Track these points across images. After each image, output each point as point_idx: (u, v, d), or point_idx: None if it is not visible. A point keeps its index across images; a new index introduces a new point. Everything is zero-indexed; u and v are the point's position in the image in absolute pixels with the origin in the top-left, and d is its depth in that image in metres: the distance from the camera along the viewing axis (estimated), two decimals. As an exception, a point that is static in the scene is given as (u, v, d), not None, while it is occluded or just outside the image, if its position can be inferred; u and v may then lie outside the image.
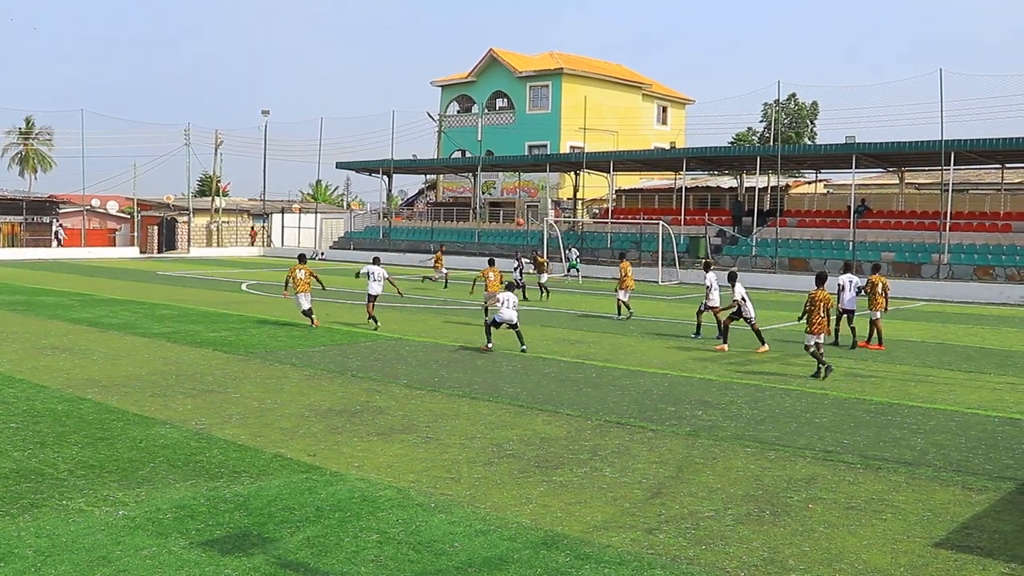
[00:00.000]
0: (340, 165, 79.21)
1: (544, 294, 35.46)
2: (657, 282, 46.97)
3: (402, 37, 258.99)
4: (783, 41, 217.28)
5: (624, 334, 24.17)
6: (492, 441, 12.16)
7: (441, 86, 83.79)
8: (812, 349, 17.88)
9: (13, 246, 71.36)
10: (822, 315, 17.93)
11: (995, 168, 54.79)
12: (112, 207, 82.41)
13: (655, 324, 27.23)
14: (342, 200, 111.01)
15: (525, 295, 33.94)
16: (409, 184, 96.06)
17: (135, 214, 79.03)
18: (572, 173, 67.68)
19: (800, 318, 18.57)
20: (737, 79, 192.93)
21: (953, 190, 47.67)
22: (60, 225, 63.69)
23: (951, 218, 46.38)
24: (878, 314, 22.63)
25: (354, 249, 69.18)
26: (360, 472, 10.51)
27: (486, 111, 78.64)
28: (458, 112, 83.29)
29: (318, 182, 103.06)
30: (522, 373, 17.78)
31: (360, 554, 7.94)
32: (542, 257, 39.31)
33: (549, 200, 67.42)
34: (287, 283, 24.76)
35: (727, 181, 65.10)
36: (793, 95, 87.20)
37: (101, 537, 8.26)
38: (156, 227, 77.20)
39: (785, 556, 8.10)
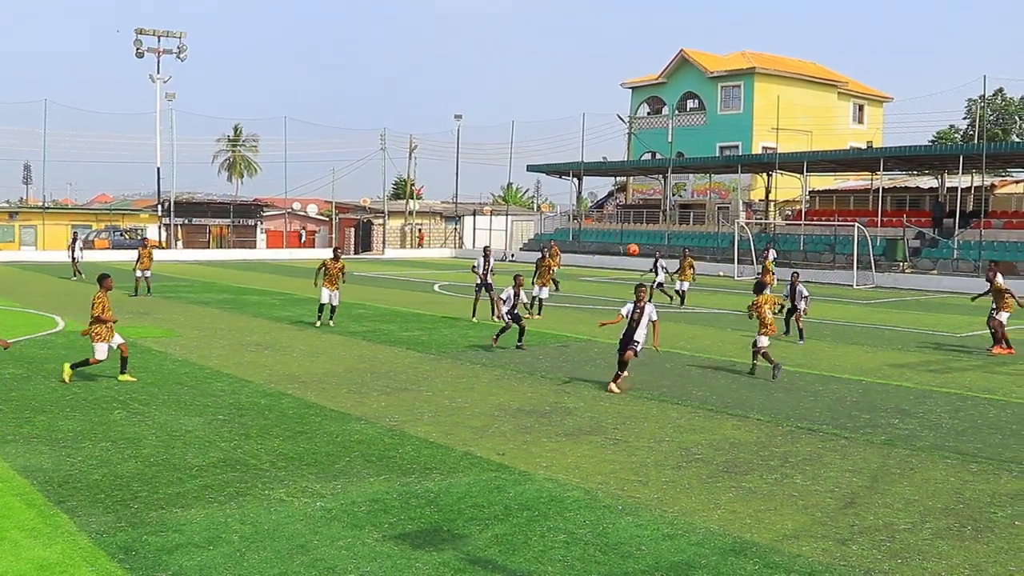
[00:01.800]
0: (531, 168, 79.99)
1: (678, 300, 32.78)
2: (852, 285, 45.37)
3: (593, 39, 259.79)
4: (989, 33, 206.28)
5: (817, 339, 23.45)
6: (680, 445, 12.01)
7: (631, 88, 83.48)
8: (764, 350, 17.71)
9: (221, 247, 75.33)
10: (771, 316, 18.28)
11: None
12: (312, 210, 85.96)
13: (849, 329, 26.30)
14: (532, 202, 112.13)
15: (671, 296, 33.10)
16: (599, 186, 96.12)
17: (333, 216, 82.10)
18: (764, 174, 66.26)
19: (751, 317, 18.30)
20: (939, 75, 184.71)
21: None
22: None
23: None
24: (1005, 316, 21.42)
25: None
26: (548, 472, 10.57)
27: (676, 112, 77.90)
28: (648, 114, 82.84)
29: (509, 185, 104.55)
30: (712, 376, 17.50)
31: (547, 554, 7.98)
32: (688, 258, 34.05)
33: (740, 202, 66.18)
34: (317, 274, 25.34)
35: (927, 181, 62.28)
36: (1000, 90, 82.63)
37: (300, 527, 8.60)
38: (353, 229, 79.97)
39: (989, 575, 7.67)
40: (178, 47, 76.01)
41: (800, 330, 22.67)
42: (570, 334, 23.41)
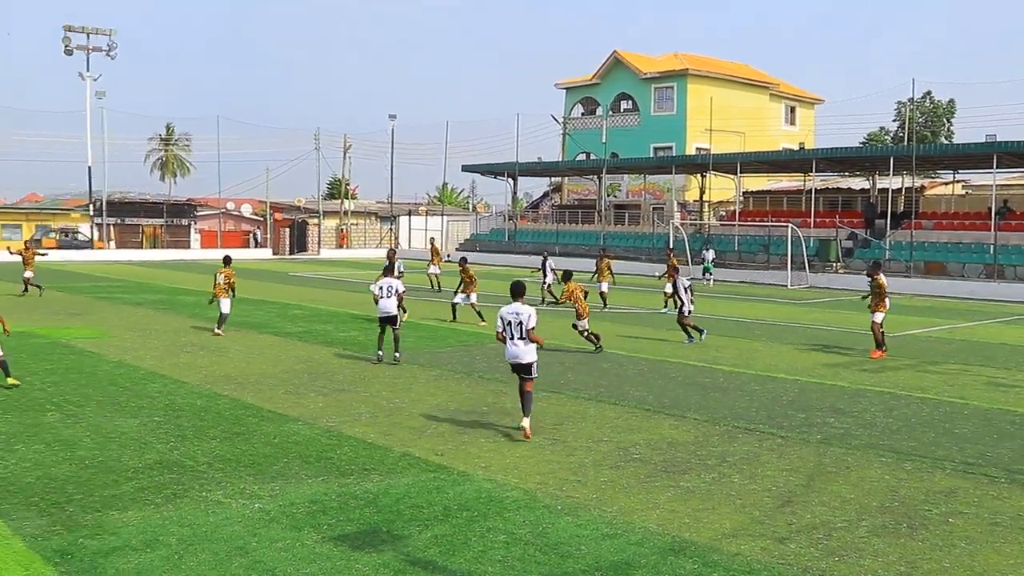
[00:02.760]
0: (466, 168, 79.89)
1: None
2: (786, 286, 46.03)
3: (528, 40, 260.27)
4: (917, 36, 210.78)
5: (752, 339, 23.76)
6: (619, 445, 12.10)
7: (565, 88, 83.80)
8: (585, 331, 20.69)
9: (155, 247, 74.28)
10: (584, 301, 21.01)
11: None
12: (246, 210, 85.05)
13: (784, 329, 26.69)
14: (468, 202, 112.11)
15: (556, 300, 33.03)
16: (534, 187, 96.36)
17: (268, 216, 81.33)
18: (698, 175, 66.88)
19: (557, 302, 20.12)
20: (869, 77, 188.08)
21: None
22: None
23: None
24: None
25: (480, 251, 69.64)
26: (487, 472, 10.58)
27: (611, 113, 78.33)
28: (583, 115, 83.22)
29: (444, 185, 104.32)
30: (648, 376, 17.65)
31: (487, 554, 8.00)
32: (677, 259, 34.00)
33: (675, 202, 66.76)
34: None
35: (859, 182, 63.36)
36: (928, 93, 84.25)
37: (238, 528, 8.53)
38: (288, 229, 79.29)
39: (924, 571, 7.85)
40: (108, 44, 74.69)
41: (687, 329, 22.56)
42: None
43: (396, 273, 25.60)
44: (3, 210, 76.96)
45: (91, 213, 73.69)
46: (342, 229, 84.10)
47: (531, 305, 12.61)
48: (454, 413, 13.87)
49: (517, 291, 12.75)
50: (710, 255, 48.45)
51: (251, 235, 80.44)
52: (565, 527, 8.74)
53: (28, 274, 33.35)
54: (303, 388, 15.69)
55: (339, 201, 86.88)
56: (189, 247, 75.32)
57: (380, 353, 18.76)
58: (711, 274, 47.62)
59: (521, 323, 12.29)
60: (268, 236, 79.72)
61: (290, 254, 76.88)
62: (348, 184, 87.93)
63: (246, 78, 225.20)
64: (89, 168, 73.63)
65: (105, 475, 10.23)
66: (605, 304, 30.73)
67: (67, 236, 71.18)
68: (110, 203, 74.03)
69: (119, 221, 75.28)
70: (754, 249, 55.51)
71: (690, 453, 11.71)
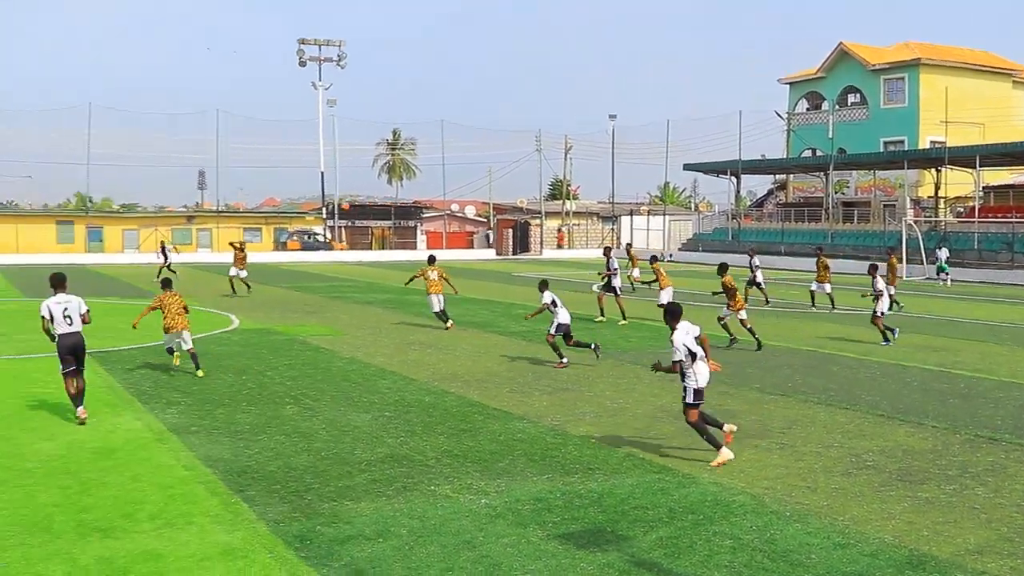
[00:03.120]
0: (688, 167, 79.18)
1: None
2: (1032, 286, 43.18)
3: (748, 35, 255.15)
4: None
5: (995, 343, 22.39)
6: (850, 451, 11.64)
7: (789, 83, 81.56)
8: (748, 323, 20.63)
9: (383, 248, 77.30)
10: (739, 294, 20.82)
11: None
12: (470, 211, 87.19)
13: (1030, 332, 25.00)
14: (690, 202, 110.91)
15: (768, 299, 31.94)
16: (758, 185, 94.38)
17: (491, 218, 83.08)
18: (933, 170, 63.65)
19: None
20: None
21: None
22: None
23: None
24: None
25: (703, 251, 68.82)
26: (712, 476, 10.41)
27: (837, 107, 75.64)
28: (807, 110, 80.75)
29: (666, 184, 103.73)
30: (880, 381, 16.90)
31: (713, 559, 7.86)
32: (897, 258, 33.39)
33: (908, 199, 63.80)
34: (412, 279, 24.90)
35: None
36: None
37: (466, 523, 8.72)
38: (511, 230, 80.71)
39: None
40: (338, 55, 78.42)
41: (881, 331, 21.57)
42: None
43: (608, 270, 26.14)
44: (244, 214, 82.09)
45: (324, 216, 77.51)
46: (559, 230, 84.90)
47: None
48: (679, 415, 13.67)
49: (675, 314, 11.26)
50: (943, 254, 46.04)
51: (483, 235, 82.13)
52: (794, 534, 8.48)
53: (235, 272, 34.53)
54: (528, 387, 15.90)
55: (560, 202, 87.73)
56: (415, 248, 77.90)
57: (595, 344, 18.78)
58: (947, 273, 45.23)
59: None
60: (492, 237, 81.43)
61: (513, 254, 78.21)
62: (569, 185, 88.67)
63: (469, 82, 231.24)
64: (322, 173, 77.60)
65: (340, 466, 10.70)
66: (833, 305, 29.68)
67: (308, 238, 75.18)
68: (341, 206, 77.68)
69: (350, 223, 78.84)
70: (996, 247, 52.33)
71: (928, 462, 11.13)
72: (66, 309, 12.77)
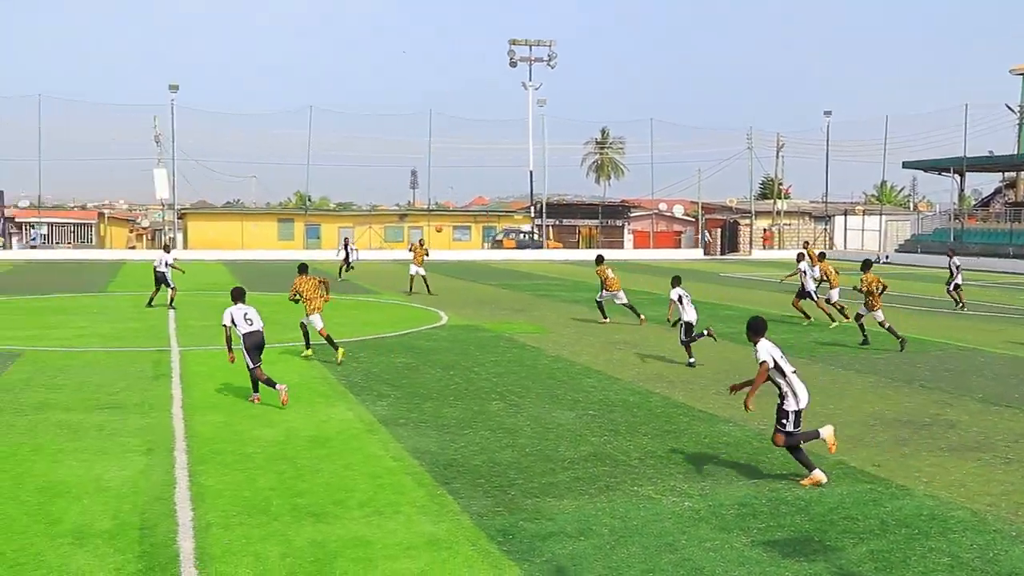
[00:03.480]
0: (907, 165, 76.10)
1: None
2: None
3: (974, 23, 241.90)
4: None
5: None
6: (1084, 468, 10.87)
7: (1021, 74, 76.76)
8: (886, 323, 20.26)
9: (590, 247, 77.68)
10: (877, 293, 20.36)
11: None
12: (678, 211, 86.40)
13: None
14: (908, 201, 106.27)
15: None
16: (984, 183, 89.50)
17: (699, 217, 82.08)
18: None
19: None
20: None
21: None
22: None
23: None
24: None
25: (921, 252, 65.76)
26: (928, 488, 9.93)
27: (1077, 100, 70.82)
28: (1042, 102, 75.87)
29: (883, 183, 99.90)
30: (1120, 394, 15.69)
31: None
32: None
33: None
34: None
35: None
36: None
37: (668, 525, 8.65)
38: (719, 230, 79.52)
39: None
40: (548, 55, 79.31)
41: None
42: (950, 341, 21.88)
43: (798, 270, 25.70)
44: (454, 213, 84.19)
45: (532, 215, 78.53)
46: (765, 230, 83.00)
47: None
48: (892, 423, 13.16)
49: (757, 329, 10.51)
50: None
51: (699, 237, 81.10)
52: (1021, 556, 7.98)
53: (416, 270, 34.16)
54: (732, 389, 15.59)
55: (771, 201, 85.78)
56: (623, 247, 77.88)
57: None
58: None
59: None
60: (699, 237, 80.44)
61: (721, 254, 77.03)
62: (781, 184, 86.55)
63: (679, 80, 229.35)
64: (531, 172, 78.65)
65: (543, 463, 10.81)
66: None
67: (524, 237, 76.47)
68: (549, 205, 78.53)
69: (557, 222, 79.59)
70: None
71: None
72: (246, 314, 14.09)
